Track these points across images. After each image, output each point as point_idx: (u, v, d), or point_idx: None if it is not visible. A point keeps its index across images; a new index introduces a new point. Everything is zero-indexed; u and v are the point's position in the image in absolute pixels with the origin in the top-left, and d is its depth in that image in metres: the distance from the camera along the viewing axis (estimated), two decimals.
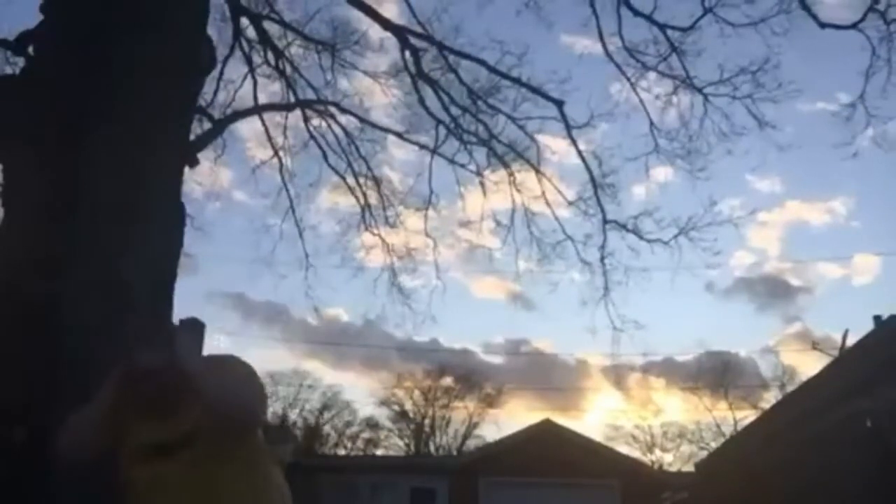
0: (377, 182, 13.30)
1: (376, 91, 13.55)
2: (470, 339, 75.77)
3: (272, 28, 12.17)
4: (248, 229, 18.12)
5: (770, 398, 33.88)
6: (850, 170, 50.25)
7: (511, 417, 51.38)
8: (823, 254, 62.26)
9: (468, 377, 38.94)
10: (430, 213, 13.24)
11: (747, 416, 32.57)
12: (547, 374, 48.30)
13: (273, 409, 34.19)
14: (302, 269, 13.36)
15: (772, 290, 47.26)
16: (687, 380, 37.51)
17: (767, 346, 54.69)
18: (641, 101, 11.44)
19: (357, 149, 12.94)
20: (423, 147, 12.97)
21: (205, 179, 13.43)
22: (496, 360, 57.33)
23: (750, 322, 49.98)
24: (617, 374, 41.63)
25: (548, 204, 12.41)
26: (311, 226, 13.78)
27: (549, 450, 19.34)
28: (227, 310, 43.29)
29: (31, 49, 6.76)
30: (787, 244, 46.34)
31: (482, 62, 11.56)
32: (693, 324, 53.59)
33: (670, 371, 47.97)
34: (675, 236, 11.68)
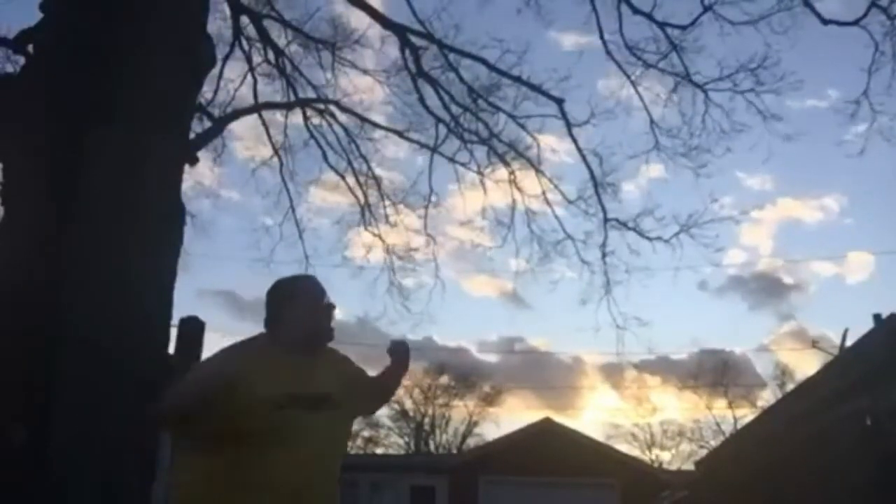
0: (377, 181, 13.29)
1: (377, 90, 13.54)
2: (465, 337, 75.83)
3: (272, 26, 12.17)
4: (238, 227, 18.08)
5: (768, 396, 33.97)
6: (843, 167, 50.18)
7: (508, 416, 51.40)
8: (817, 252, 62.31)
9: (466, 376, 39.00)
10: (427, 211, 13.20)
11: (746, 414, 32.65)
12: (544, 373, 48.31)
13: None
14: (300, 268, 13.31)
15: (765, 289, 47.33)
16: (685, 378, 37.58)
17: (763, 344, 54.72)
18: (642, 98, 11.44)
19: (357, 147, 12.93)
20: (423, 146, 12.95)
21: (201, 177, 13.44)
22: (491, 358, 57.30)
23: (744, 320, 50.07)
24: (615, 373, 41.70)
25: (548, 203, 12.40)
26: (309, 226, 13.74)
27: (549, 448, 19.36)
28: (218, 308, 43.27)
29: (31, 48, 6.75)
30: (780, 242, 46.45)
31: (482, 60, 11.53)
32: (687, 322, 53.69)
33: (668, 369, 48.08)
34: (677, 234, 11.66)
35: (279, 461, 2.81)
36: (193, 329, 6.56)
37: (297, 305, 3.04)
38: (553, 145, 12.72)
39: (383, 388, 3.43)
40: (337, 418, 3.03)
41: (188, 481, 2.92)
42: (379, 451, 38.13)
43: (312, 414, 2.91)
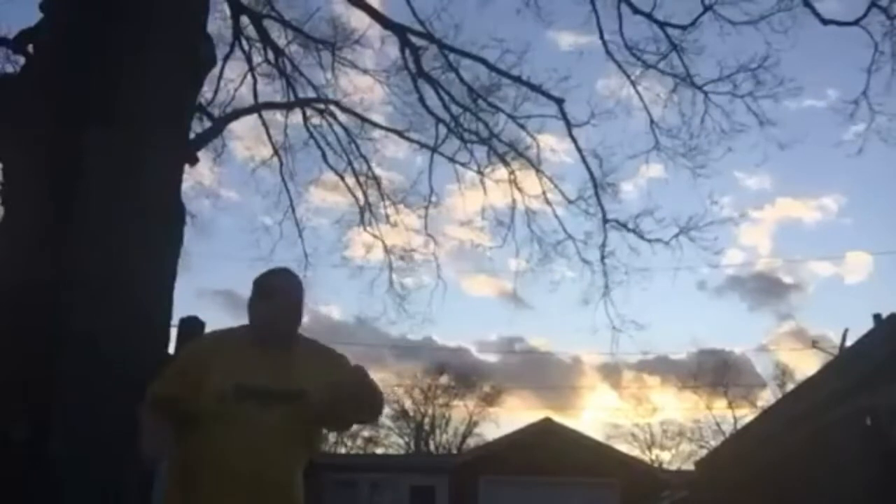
0: (377, 181, 13.29)
1: (377, 90, 13.53)
2: (465, 337, 75.88)
3: (272, 26, 12.18)
4: (238, 227, 18.13)
5: (768, 396, 33.96)
6: (841, 167, 50.18)
7: (508, 416, 51.40)
8: (816, 252, 62.21)
9: (466, 376, 38.99)
10: (427, 211, 13.21)
11: (746, 414, 32.63)
12: (543, 373, 48.28)
13: None
14: (299, 268, 13.30)
15: (765, 289, 47.34)
16: (685, 378, 37.57)
17: (762, 344, 54.71)
18: (642, 98, 11.45)
19: (357, 147, 12.94)
20: (423, 146, 12.95)
21: (201, 177, 13.46)
22: (491, 358, 57.24)
23: (744, 320, 50.01)
24: (615, 373, 41.71)
25: (548, 203, 12.40)
26: (309, 226, 13.74)
27: (549, 448, 19.34)
28: (218, 307, 43.21)
29: (30, 47, 6.75)
30: (779, 242, 46.46)
31: (482, 60, 11.54)
32: (687, 322, 53.70)
33: (668, 369, 48.10)
34: (676, 235, 11.67)
35: (226, 449, 2.88)
36: (193, 329, 6.56)
37: (262, 304, 3.17)
38: (553, 145, 12.74)
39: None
40: (297, 414, 3.00)
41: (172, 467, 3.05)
42: (379, 451, 38.12)
43: (266, 406, 2.95)
